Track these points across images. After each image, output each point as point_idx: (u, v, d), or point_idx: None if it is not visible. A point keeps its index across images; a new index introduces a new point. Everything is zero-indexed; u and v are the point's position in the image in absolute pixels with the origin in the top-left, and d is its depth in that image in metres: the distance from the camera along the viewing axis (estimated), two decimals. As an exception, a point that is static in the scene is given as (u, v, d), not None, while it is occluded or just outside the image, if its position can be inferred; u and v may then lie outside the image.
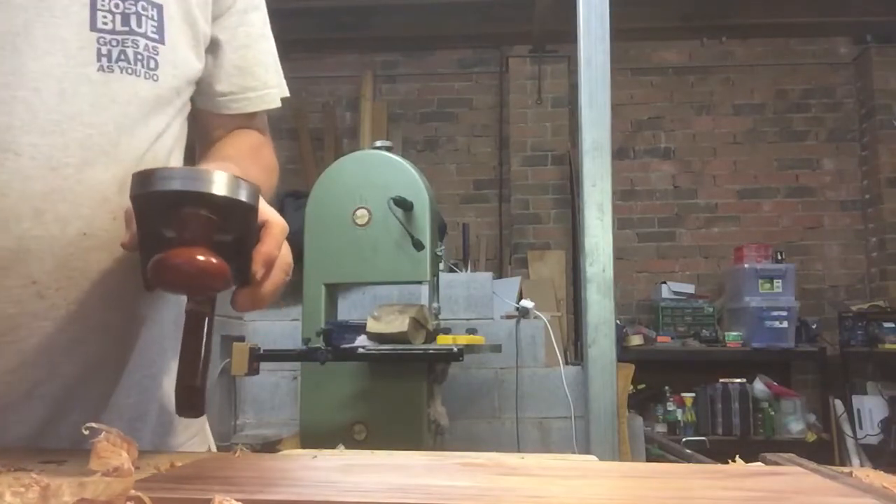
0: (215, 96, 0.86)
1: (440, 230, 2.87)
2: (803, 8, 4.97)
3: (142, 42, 0.73)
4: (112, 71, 0.72)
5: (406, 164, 2.61)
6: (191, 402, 0.61)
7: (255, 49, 0.87)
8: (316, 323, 2.50)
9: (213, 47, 0.84)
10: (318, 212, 2.59)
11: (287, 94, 0.94)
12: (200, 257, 0.57)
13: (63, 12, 0.70)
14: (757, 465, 0.63)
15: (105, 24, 0.72)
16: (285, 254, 0.66)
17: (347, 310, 3.18)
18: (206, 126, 0.89)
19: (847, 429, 4.56)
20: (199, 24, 0.81)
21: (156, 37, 0.74)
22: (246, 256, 0.62)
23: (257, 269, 0.62)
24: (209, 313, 0.62)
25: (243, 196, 0.59)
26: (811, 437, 4.54)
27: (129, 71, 0.73)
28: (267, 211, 0.65)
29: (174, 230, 0.58)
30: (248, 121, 0.90)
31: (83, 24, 0.71)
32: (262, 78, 0.88)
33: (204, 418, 0.90)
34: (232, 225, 0.60)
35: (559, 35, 4.81)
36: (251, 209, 0.61)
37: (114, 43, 0.72)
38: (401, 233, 2.48)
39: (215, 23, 0.84)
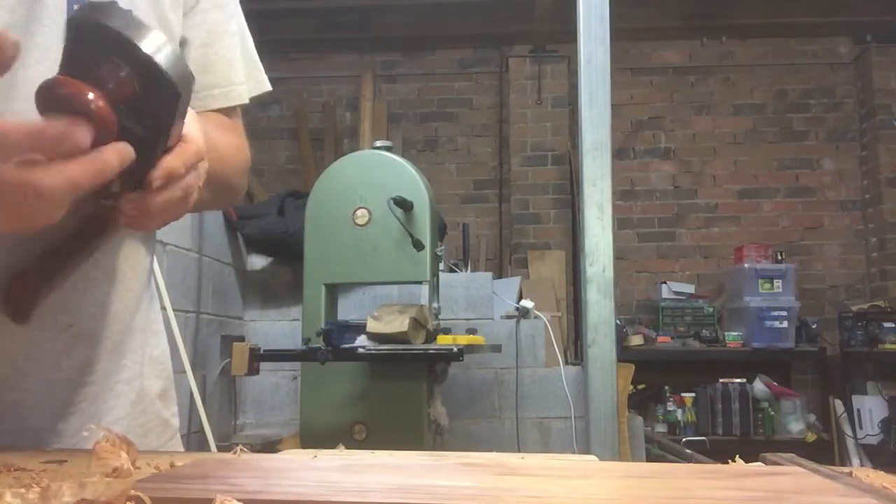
0: None
1: (440, 230, 2.87)
2: (803, 8, 4.98)
3: None
4: None
5: (406, 164, 2.61)
6: (20, 303, 0.57)
7: (216, 46, 0.85)
8: (316, 323, 2.50)
9: (182, 47, 0.83)
10: (318, 212, 2.60)
11: (266, 89, 0.92)
12: (91, 96, 0.51)
13: (49, 20, 0.70)
14: (757, 465, 0.63)
15: None
16: (193, 178, 0.61)
17: (347, 310, 3.18)
18: None
19: (847, 429, 4.56)
20: (172, 26, 0.80)
21: None
22: (150, 159, 0.56)
23: (156, 175, 0.57)
24: (105, 226, 0.57)
25: (171, 71, 0.53)
26: (811, 437, 4.55)
27: None
28: (190, 129, 0.60)
29: (92, 68, 0.53)
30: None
31: (61, 33, 0.70)
32: (224, 75, 0.86)
33: (176, 420, 0.89)
34: (150, 103, 0.54)
35: (559, 35, 4.81)
36: (173, 91, 0.54)
37: None
38: (401, 233, 2.48)
39: (183, 21, 0.83)
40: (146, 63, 0.53)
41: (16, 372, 0.70)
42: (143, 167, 0.57)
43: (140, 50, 0.52)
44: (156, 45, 0.53)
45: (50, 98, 0.52)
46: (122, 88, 0.53)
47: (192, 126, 0.62)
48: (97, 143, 0.53)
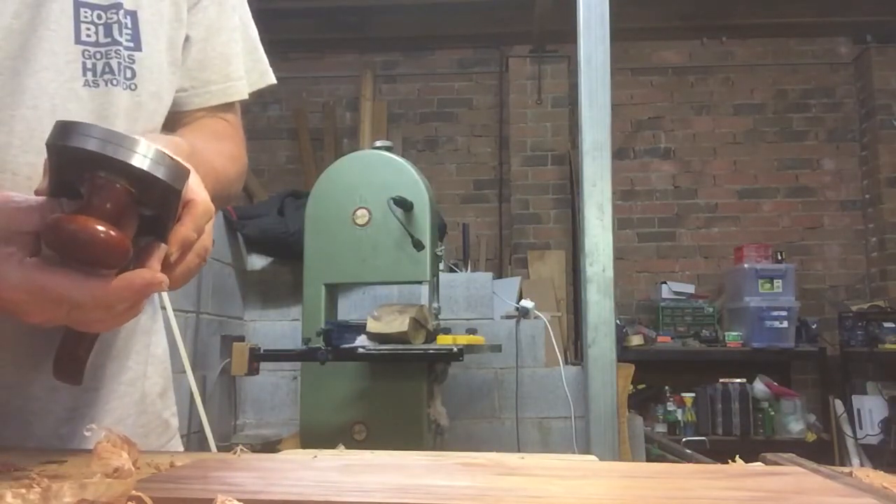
0: (177, 92, 0.83)
1: (440, 230, 2.87)
2: (803, 8, 4.98)
3: (123, 52, 0.73)
4: (97, 85, 0.71)
5: (406, 164, 2.61)
6: (70, 369, 0.60)
7: (213, 42, 0.84)
8: (316, 323, 2.50)
9: (185, 43, 0.82)
10: (318, 212, 2.60)
11: (270, 81, 0.92)
12: (100, 228, 0.53)
13: (56, 24, 0.69)
14: (757, 465, 0.63)
15: (89, 36, 0.71)
16: (205, 237, 0.62)
17: (347, 310, 3.18)
18: (173, 125, 0.84)
19: (847, 429, 4.56)
20: (184, 25, 0.80)
21: (131, 45, 0.73)
22: (163, 234, 0.59)
23: (171, 250, 0.59)
24: None
25: (164, 174, 0.54)
26: (811, 437, 4.54)
27: (114, 83, 0.72)
28: (195, 190, 0.61)
29: (86, 190, 0.54)
30: (213, 112, 0.87)
31: (69, 38, 0.70)
32: (222, 71, 0.85)
33: (175, 420, 0.90)
34: (150, 200, 0.56)
35: (559, 35, 4.81)
36: (172, 190, 0.56)
37: (98, 56, 0.71)
38: (401, 233, 2.48)
39: (187, 17, 0.82)
40: (141, 176, 0.54)
41: (22, 379, 0.70)
42: (158, 239, 0.59)
43: (132, 166, 0.53)
44: (143, 156, 0.54)
45: (58, 236, 0.53)
46: (121, 199, 0.55)
47: (196, 183, 0.62)
48: (115, 264, 0.55)
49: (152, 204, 0.57)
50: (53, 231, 0.53)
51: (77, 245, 0.53)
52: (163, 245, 0.58)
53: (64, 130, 0.53)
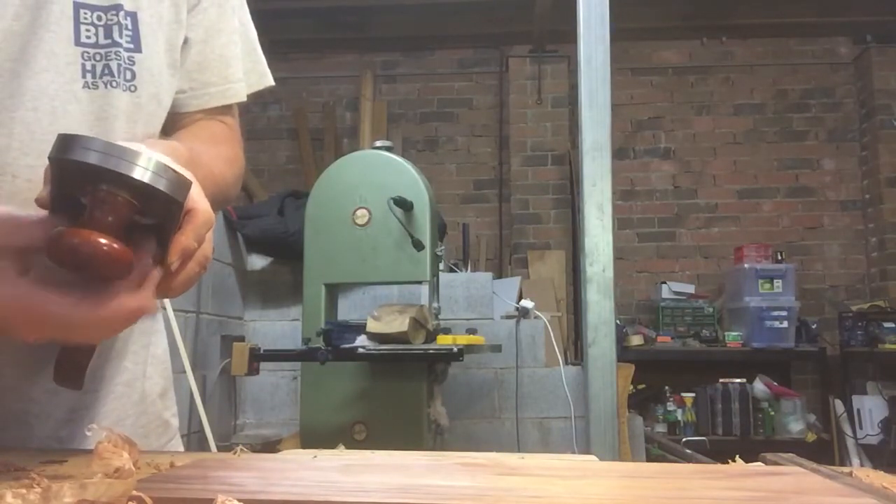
0: (176, 94, 0.82)
1: (440, 230, 2.87)
2: (803, 8, 4.98)
3: (123, 54, 0.72)
4: (97, 87, 0.71)
5: (406, 164, 2.61)
6: (71, 375, 0.61)
7: (213, 44, 0.84)
8: (316, 323, 2.50)
9: (184, 45, 0.82)
10: (318, 212, 2.60)
11: (269, 83, 0.92)
12: (102, 241, 0.53)
13: (56, 26, 0.69)
14: (757, 465, 0.63)
15: (88, 38, 0.71)
16: (205, 246, 0.62)
17: (347, 310, 3.18)
18: (171, 127, 0.84)
19: (847, 429, 4.56)
20: (184, 27, 0.80)
21: (131, 46, 0.73)
22: (164, 242, 0.59)
23: (172, 259, 0.59)
24: None
25: (165, 186, 0.55)
26: (811, 437, 4.54)
27: (114, 84, 0.72)
28: (195, 199, 0.60)
29: (88, 203, 0.55)
30: (211, 114, 0.87)
31: (69, 39, 0.70)
32: (221, 73, 0.85)
33: (175, 420, 0.90)
34: (152, 211, 0.57)
35: (559, 35, 4.81)
36: (174, 202, 0.56)
37: (97, 57, 0.71)
38: (401, 233, 2.48)
39: (187, 19, 0.82)
40: (142, 189, 0.54)
41: (22, 382, 0.71)
42: (159, 249, 0.59)
43: (134, 179, 0.54)
44: (145, 168, 0.54)
45: (61, 249, 0.54)
46: (123, 211, 0.55)
47: (197, 192, 0.62)
48: (117, 275, 0.56)
49: (154, 215, 0.57)
50: (56, 244, 0.54)
51: (80, 258, 0.53)
52: (157, 270, 0.59)
53: (65, 144, 0.54)
